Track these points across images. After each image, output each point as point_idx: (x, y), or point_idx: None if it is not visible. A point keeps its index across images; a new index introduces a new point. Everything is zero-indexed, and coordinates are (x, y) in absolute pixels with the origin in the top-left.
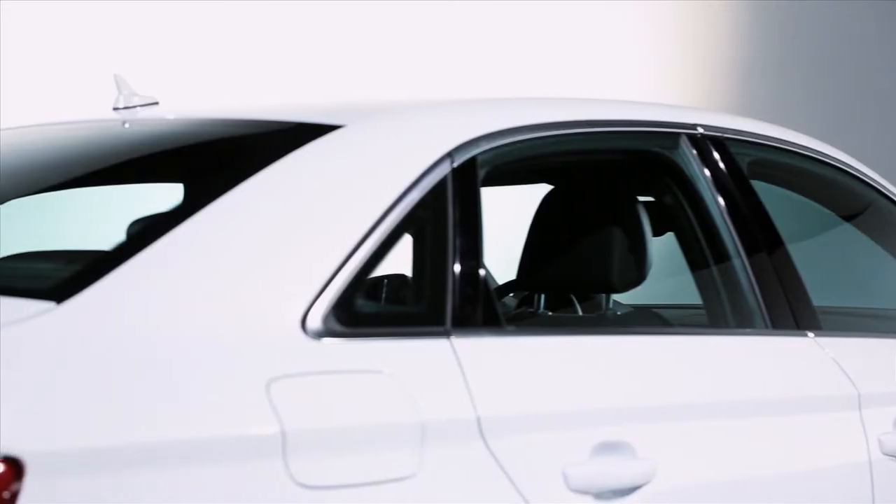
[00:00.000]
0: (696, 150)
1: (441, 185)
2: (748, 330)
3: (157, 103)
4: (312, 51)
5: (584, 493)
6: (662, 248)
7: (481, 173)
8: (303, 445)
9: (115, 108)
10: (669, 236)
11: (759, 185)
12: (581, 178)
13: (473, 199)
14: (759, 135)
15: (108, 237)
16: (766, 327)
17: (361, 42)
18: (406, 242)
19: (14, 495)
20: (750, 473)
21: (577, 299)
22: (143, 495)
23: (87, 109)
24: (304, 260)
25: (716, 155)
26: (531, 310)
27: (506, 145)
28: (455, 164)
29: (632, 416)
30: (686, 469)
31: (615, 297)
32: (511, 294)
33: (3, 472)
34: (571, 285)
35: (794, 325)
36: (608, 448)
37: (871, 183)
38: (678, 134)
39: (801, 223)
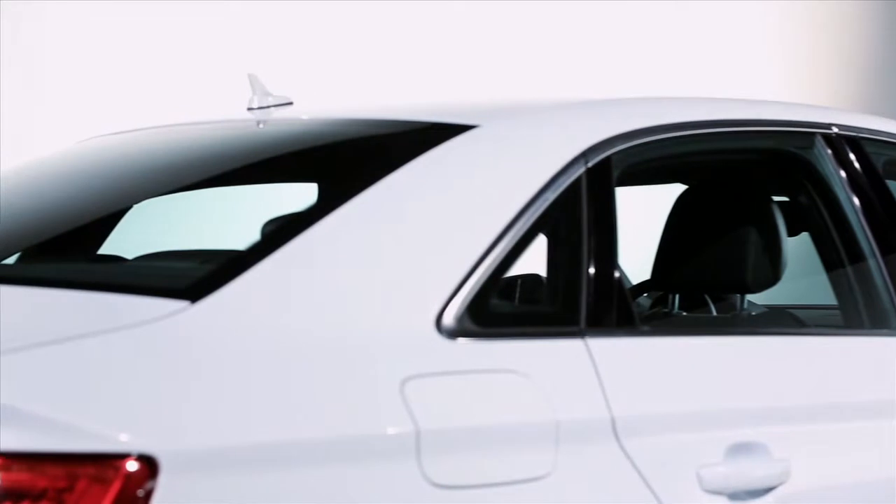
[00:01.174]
0: (832, 149)
1: (575, 185)
2: (883, 331)
3: (291, 103)
4: (445, 50)
5: (718, 493)
6: (797, 249)
7: (615, 173)
8: (437, 445)
9: (250, 109)
10: (804, 236)
11: (894, 186)
12: (716, 177)
13: (608, 199)
14: (894, 134)
15: (243, 237)
16: None
17: (493, 41)
18: (540, 242)
19: (149, 493)
20: (885, 475)
21: (711, 299)
22: (276, 495)
23: (221, 110)
24: (439, 259)
25: (851, 155)
26: (665, 310)
27: (640, 145)
28: (589, 164)
29: (766, 416)
30: (820, 470)
31: (749, 297)
32: (645, 294)
33: (137, 471)
34: (706, 285)
35: None
36: (742, 449)
37: None
38: (813, 134)
39: None
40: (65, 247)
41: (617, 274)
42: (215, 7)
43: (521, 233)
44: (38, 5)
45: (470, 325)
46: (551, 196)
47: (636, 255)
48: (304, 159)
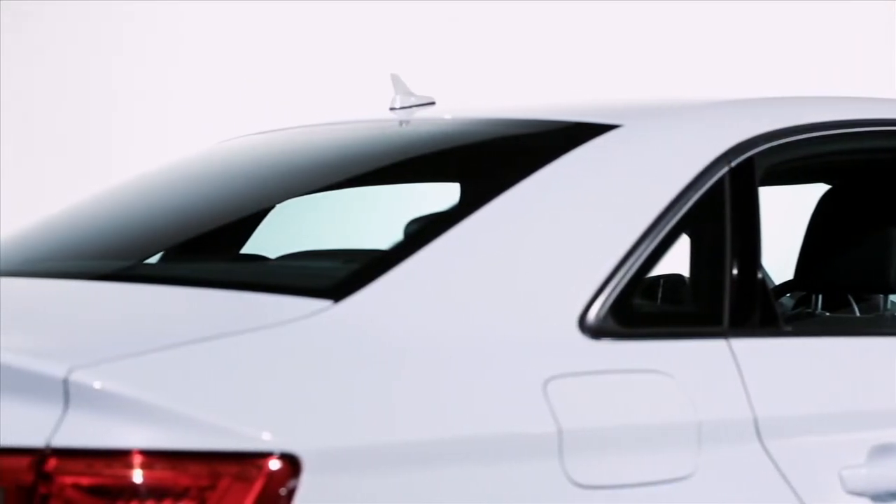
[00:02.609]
0: None
1: (718, 185)
2: None
3: (433, 103)
4: (587, 49)
5: (860, 495)
6: None
7: (758, 173)
8: (579, 445)
9: (392, 109)
10: None
11: None
12: (860, 177)
13: (751, 198)
14: None
15: (386, 237)
16: None
17: (634, 41)
18: (683, 243)
19: (291, 492)
20: None
21: (855, 300)
22: (417, 494)
23: (364, 110)
24: (582, 259)
25: None
26: (808, 310)
27: (783, 145)
28: (732, 164)
29: None
30: None
31: (893, 297)
32: (788, 294)
33: (280, 469)
34: (849, 285)
35: None
36: (885, 451)
37: None
38: None
39: None
40: (208, 246)
41: (760, 274)
42: (358, 7)
43: (664, 233)
44: (176, 5)
45: (613, 325)
46: (694, 196)
47: (779, 256)
48: (446, 159)
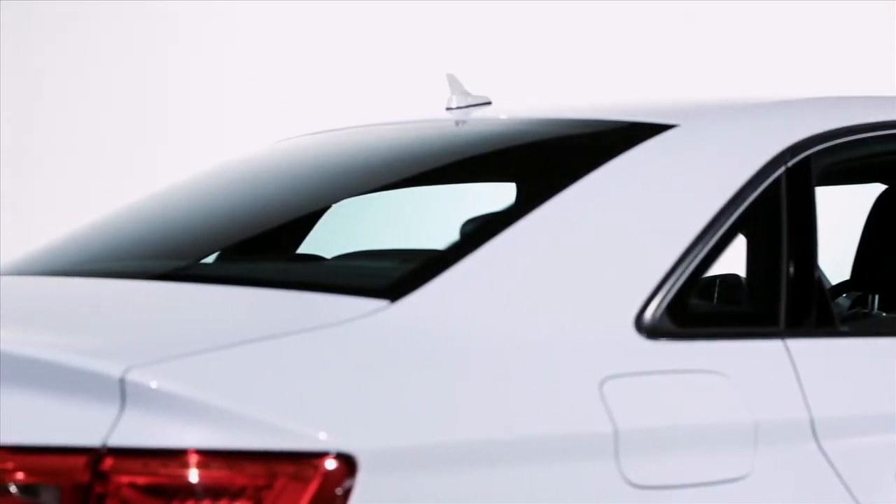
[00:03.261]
0: None
1: (775, 185)
2: None
3: (489, 103)
4: (640, 49)
5: None
6: None
7: (815, 173)
8: (635, 445)
9: (448, 108)
10: None
11: None
12: None
13: (807, 198)
14: None
15: (442, 237)
16: None
17: (690, 40)
18: (739, 242)
19: (347, 492)
20: None
21: None
22: (473, 494)
23: (420, 110)
24: (639, 259)
25: None
26: (865, 311)
27: (839, 145)
28: (789, 164)
29: None
30: None
31: None
32: (844, 295)
33: (336, 469)
34: None
35: None
36: None
37: None
38: None
39: None
40: (264, 246)
41: (816, 274)
42: (414, 7)
43: (720, 233)
44: (227, 5)
45: (669, 326)
46: (751, 196)
47: (835, 256)
48: (502, 159)
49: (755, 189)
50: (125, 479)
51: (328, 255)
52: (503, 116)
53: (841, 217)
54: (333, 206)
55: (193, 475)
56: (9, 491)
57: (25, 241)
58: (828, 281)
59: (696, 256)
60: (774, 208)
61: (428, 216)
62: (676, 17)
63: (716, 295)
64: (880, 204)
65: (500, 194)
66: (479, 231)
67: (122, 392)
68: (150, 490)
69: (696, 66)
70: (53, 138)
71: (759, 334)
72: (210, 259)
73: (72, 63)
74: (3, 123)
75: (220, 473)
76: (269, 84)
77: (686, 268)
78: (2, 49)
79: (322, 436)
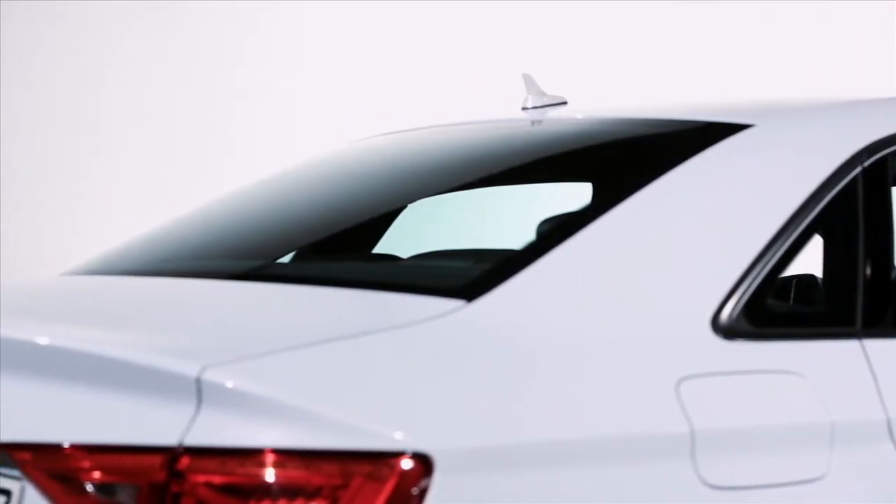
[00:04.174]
0: None
1: (851, 185)
2: None
3: (565, 103)
4: (714, 49)
5: None
6: None
7: (892, 173)
8: (712, 446)
9: (524, 108)
10: None
11: None
12: None
13: (884, 199)
14: None
15: (518, 236)
16: None
17: (759, 39)
18: (816, 243)
19: (423, 492)
20: None
21: None
22: (548, 494)
23: (496, 109)
24: (715, 259)
25: None
26: None
27: None
28: (865, 164)
29: None
30: None
31: None
32: None
33: (412, 469)
34: None
35: None
36: None
37: None
38: None
39: None
40: (340, 246)
41: (893, 274)
42: (492, 7)
43: (797, 233)
44: (302, 6)
45: (746, 326)
46: (827, 196)
47: None
48: (578, 159)
49: (831, 189)
50: (201, 479)
51: (404, 255)
52: (579, 116)
53: None
54: (409, 205)
55: (269, 475)
56: (86, 490)
57: (104, 241)
58: None
59: (772, 257)
60: (851, 208)
61: (504, 216)
62: (752, 17)
63: (792, 295)
64: None
65: (576, 194)
66: (555, 231)
67: (199, 391)
68: (226, 489)
69: (765, 64)
70: (131, 138)
71: (835, 334)
72: (286, 259)
73: (149, 63)
74: (79, 123)
75: (296, 473)
76: (346, 83)
77: (762, 268)
78: (78, 49)
79: (398, 435)
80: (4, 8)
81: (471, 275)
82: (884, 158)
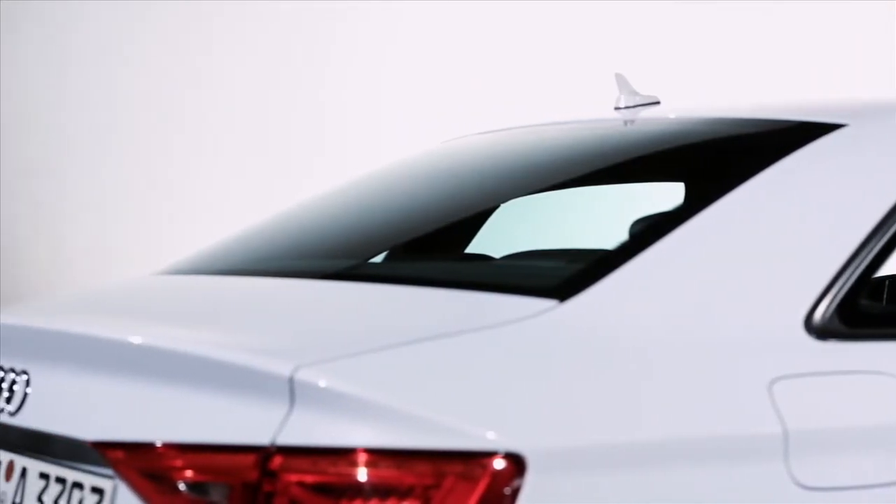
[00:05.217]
0: None
1: None
2: None
3: (658, 102)
4: (807, 48)
5: None
6: None
7: None
8: (805, 446)
9: (617, 108)
10: None
11: None
12: None
13: None
14: None
15: (610, 236)
16: None
17: (856, 39)
18: None
19: (515, 492)
20: None
21: None
22: (640, 494)
23: (589, 109)
24: (807, 259)
25: None
26: None
27: None
28: None
29: None
30: None
31: None
32: None
33: (505, 468)
34: None
35: None
36: None
37: None
38: None
39: None
40: (432, 246)
41: None
42: (584, 7)
43: (890, 233)
44: (400, 4)
45: (839, 326)
46: None
47: None
48: (671, 159)
49: None
50: (294, 478)
51: (496, 255)
52: (672, 116)
53: None
54: (502, 205)
55: (362, 474)
56: (178, 489)
57: (197, 240)
58: None
59: (865, 257)
60: None
61: (596, 216)
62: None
63: (885, 296)
64: None
65: (669, 194)
66: (648, 231)
67: (292, 391)
68: (318, 489)
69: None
70: (226, 138)
71: None
72: (379, 258)
73: (245, 62)
74: (175, 123)
75: (388, 472)
76: (440, 83)
77: (856, 268)
78: (173, 49)
79: (491, 435)
80: (101, 9)
81: (563, 275)
82: None
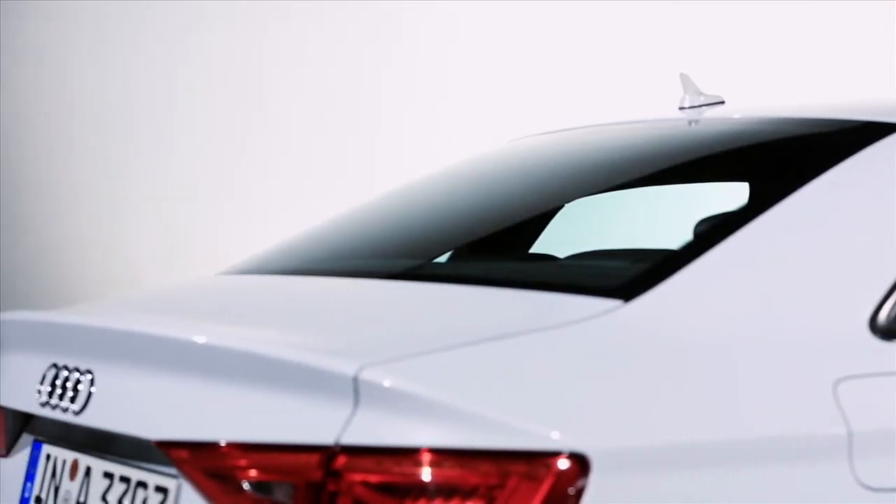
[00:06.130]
0: None
1: None
2: None
3: (722, 102)
4: (871, 49)
5: None
6: None
7: None
8: (869, 447)
9: (681, 108)
10: None
11: None
12: None
13: None
14: None
15: (675, 236)
16: None
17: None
18: None
19: (579, 492)
20: None
21: None
22: (704, 494)
23: (653, 109)
24: (873, 260)
25: None
26: None
27: None
28: None
29: None
30: None
31: None
32: None
33: (569, 469)
34: None
35: None
36: None
37: None
38: None
39: None
40: (497, 246)
41: None
42: (649, 7)
43: None
44: (459, 5)
45: None
46: None
47: None
48: (735, 158)
49: None
50: (358, 478)
51: (561, 255)
52: (736, 116)
53: None
54: (567, 205)
55: (426, 474)
56: (242, 488)
57: (261, 241)
58: None
59: None
60: None
61: (661, 216)
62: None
63: None
64: None
65: (734, 194)
66: (713, 231)
67: (356, 391)
68: (382, 488)
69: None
70: (289, 139)
71: None
72: (443, 258)
73: (307, 61)
74: (238, 123)
75: (452, 472)
76: (504, 83)
77: None
78: (232, 49)
79: (555, 435)
80: (168, 8)
81: (628, 275)
82: None
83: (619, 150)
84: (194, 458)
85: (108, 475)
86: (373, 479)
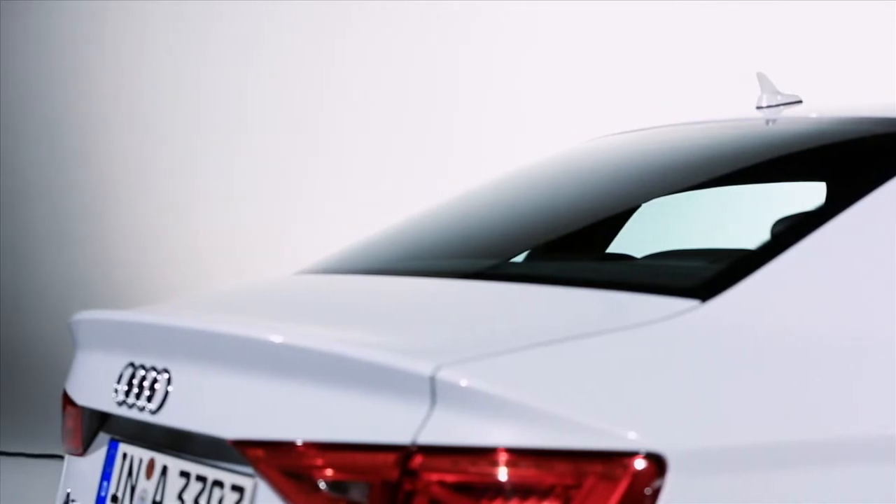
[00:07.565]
0: None
1: None
2: None
3: (800, 101)
4: None
5: None
6: None
7: None
8: None
9: (759, 107)
10: None
11: None
12: None
13: None
14: None
15: (752, 236)
16: None
17: None
18: None
19: (656, 492)
20: None
21: None
22: (783, 495)
23: (730, 108)
24: None
25: None
26: None
27: None
28: None
29: None
30: None
31: None
32: None
33: (645, 469)
34: None
35: None
36: None
37: None
38: None
39: None
40: (573, 245)
41: None
42: (722, 6)
43: None
44: (530, 6)
45: None
46: None
47: None
48: (813, 158)
49: None
50: (434, 477)
51: (638, 255)
52: (814, 115)
53: None
54: (643, 205)
55: (502, 474)
56: (318, 487)
57: (338, 240)
58: None
59: None
60: None
61: (738, 216)
62: None
63: None
64: None
65: (811, 194)
66: (790, 231)
67: (433, 390)
68: (458, 488)
69: None
70: (365, 140)
71: None
72: (520, 258)
73: (381, 63)
74: (315, 124)
75: (528, 472)
76: (580, 83)
77: None
78: (305, 52)
79: (632, 435)
80: (235, 10)
81: (705, 275)
82: None
83: (695, 149)
84: (270, 458)
85: (185, 474)
86: (449, 478)
